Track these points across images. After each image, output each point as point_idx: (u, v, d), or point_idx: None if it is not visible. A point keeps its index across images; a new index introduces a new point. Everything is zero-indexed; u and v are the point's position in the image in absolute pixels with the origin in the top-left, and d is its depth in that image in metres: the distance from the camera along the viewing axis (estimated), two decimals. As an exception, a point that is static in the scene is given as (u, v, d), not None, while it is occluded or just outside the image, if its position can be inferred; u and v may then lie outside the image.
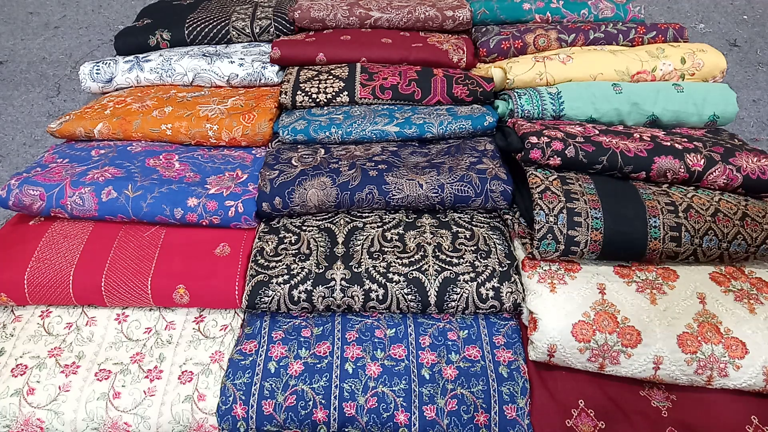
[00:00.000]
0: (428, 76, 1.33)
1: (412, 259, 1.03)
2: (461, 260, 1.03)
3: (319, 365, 0.95)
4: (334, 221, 1.11)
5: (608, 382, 0.95)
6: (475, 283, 1.00)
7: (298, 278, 1.00)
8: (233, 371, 0.95)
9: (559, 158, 1.06)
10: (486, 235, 1.08)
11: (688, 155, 1.06)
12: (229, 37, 1.49)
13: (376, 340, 0.99)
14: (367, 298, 0.99)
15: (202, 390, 0.93)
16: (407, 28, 1.54)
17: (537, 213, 1.00)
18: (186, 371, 0.96)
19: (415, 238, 1.07)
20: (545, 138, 1.07)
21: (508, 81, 1.33)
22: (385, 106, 1.32)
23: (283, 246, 1.06)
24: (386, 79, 1.32)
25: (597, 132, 1.13)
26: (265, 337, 1.00)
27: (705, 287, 0.98)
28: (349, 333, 1.00)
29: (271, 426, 0.91)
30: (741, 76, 2.86)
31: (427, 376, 0.94)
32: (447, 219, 1.12)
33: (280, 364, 0.96)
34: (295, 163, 1.16)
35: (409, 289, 0.99)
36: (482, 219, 1.12)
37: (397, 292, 0.99)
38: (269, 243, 1.07)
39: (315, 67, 1.40)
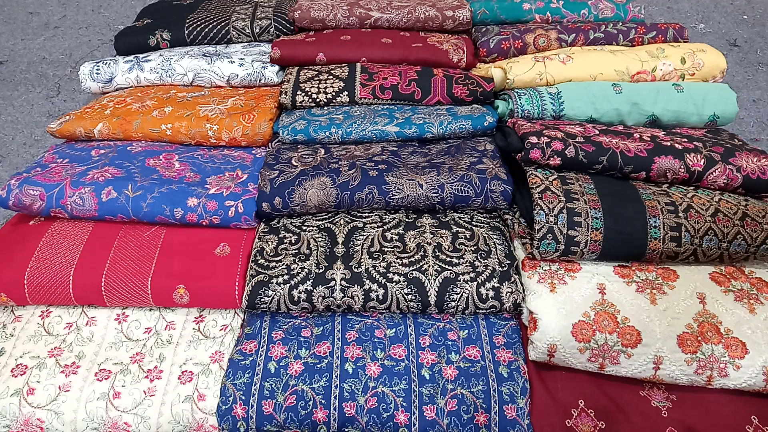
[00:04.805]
0: (428, 76, 1.33)
1: (412, 259, 1.03)
2: (461, 260, 1.03)
3: (319, 365, 0.95)
4: (334, 221, 1.11)
5: (608, 382, 0.95)
6: (475, 283, 1.00)
7: (298, 278, 1.00)
8: (233, 371, 0.95)
9: (559, 158, 1.06)
10: (486, 235, 1.08)
11: (688, 155, 1.06)
12: (229, 37, 1.49)
13: (376, 340, 0.99)
14: (367, 298, 0.99)
15: (202, 390, 0.93)
16: (407, 28, 1.54)
17: (537, 213, 1.00)
18: (186, 371, 0.96)
19: (415, 238, 1.07)
20: (545, 138, 1.07)
21: (508, 81, 1.33)
22: (385, 106, 1.32)
23: (283, 246, 1.06)
24: (386, 79, 1.32)
25: (597, 132, 1.13)
26: (265, 337, 1.00)
27: (705, 287, 0.98)
28: (349, 333, 1.00)
29: (271, 426, 0.91)
30: (741, 76, 2.86)
31: (427, 376, 0.94)
32: (447, 219, 1.12)
33: (280, 364, 0.96)
34: (295, 163, 1.16)
35: (409, 289, 0.99)
36: (482, 219, 1.12)
37: (397, 292, 0.99)
38: (269, 243, 1.07)
39: (315, 67, 1.40)
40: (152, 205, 1.07)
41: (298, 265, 1.02)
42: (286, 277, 1.01)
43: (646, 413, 0.92)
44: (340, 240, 1.07)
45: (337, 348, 0.98)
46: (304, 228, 1.10)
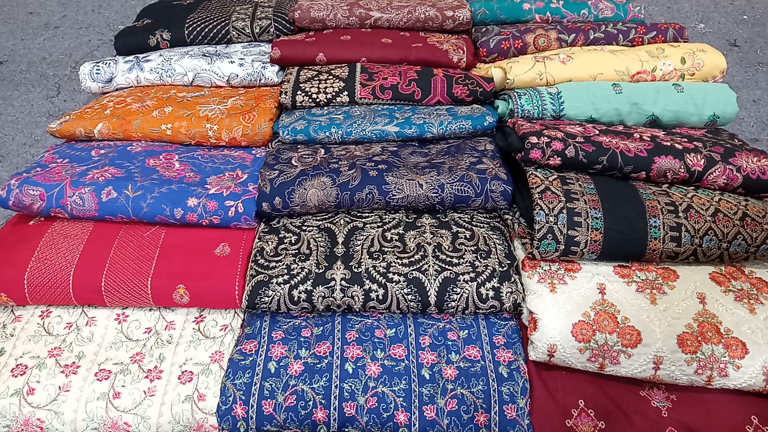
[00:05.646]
0: (428, 76, 1.33)
1: (412, 259, 1.03)
2: (461, 260, 1.03)
3: (319, 365, 0.95)
4: (334, 221, 1.11)
5: (608, 382, 0.95)
6: (475, 283, 1.00)
7: (298, 278, 1.00)
8: (233, 371, 0.95)
9: (559, 158, 1.06)
10: (486, 235, 1.08)
11: (688, 155, 1.06)
12: (229, 37, 1.49)
13: (376, 340, 0.99)
14: (367, 298, 0.99)
15: (202, 390, 0.93)
16: (407, 28, 1.54)
17: (537, 213, 1.00)
18: (186, 371, 0.96)
19: (415, 238, 1.07)
20: (545, 138, 1.07)
21: (508, 81, 1.33)
22: (385, 106, 1.32)
23: (283, 246, 1.06)
24: (386, 79, 1.32)
25: (597, 132, 1.13)
26: (265, 337, 1.00)
27: (705, 287, 0.98)
28: (349, 333, 1.00)
29: (271, 426, 0.91)
30: (741, 76, 2.86)
31: (427, 376, 0.94)
32: (447, 219, 1.12)
33: (280, 364, 0.96)
34: (295, 163, 1.16)
35: (409, 289, 0.99)
36: (482, 219, 1.12)
37: (397, 292, 0.99)
38: (269, 243, 1.07)
39: (315, 67, 1.40)
40: (152, 205, 1.07)
41: (298, 265, 1.02)
42: (286, 277, 1.01)
43: (646, 413, 0.92)
44: (340, 240, 1.07)
45: (337, 348, 0.98)
46: (304, 228, 1.10)
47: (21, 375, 0.94)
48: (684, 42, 1.43)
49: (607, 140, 1.08)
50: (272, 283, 1.00)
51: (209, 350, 0.99)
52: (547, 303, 0.95)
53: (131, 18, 2.50)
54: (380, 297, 0.99)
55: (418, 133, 1.23)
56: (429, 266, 1.02)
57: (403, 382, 0.94)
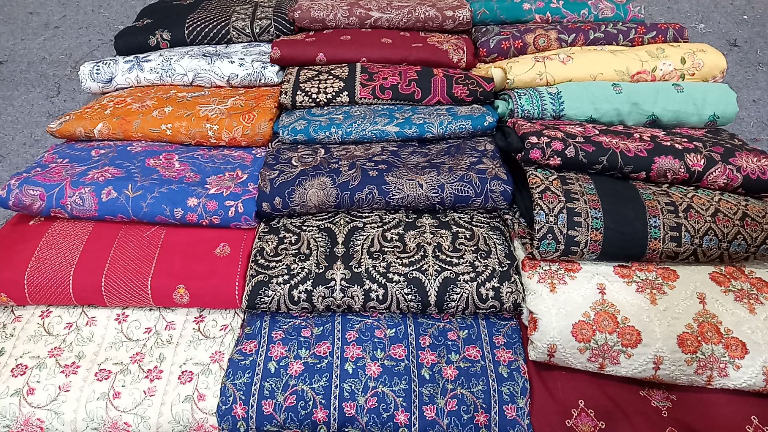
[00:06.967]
0: (428, 76, 1.33)
1: (412, 259, 1.03)
2: (461, 260, 1.03)
3: (319, 365, 0.96)
4: (334, 221, 1.11)
5: (608, 382, 0.95)
6: (475, 283, 1.00)
7: (298, 278, 1.00)
8: (233, 371, 0.95)
9: (559, 158, 1.06)
10: (486, 235, 1.08)
11: (688, 155, 1.06)
12: (229, 37, 1.49)
13: (376, 340, 0.99)
14: (367, 298, 0.99)
15: (202, 390, 0.93)
16: (407, 28, 1.54)
17: (537, 213, 1.00)
18: (186, 371, 0.96)
19: (415, 238, 1.07)
20: (545, 138, 1.07)
21: (508, 81, 1.33)
22: (385, 106, 1.32)
23: (283, 246, 1.06)
24: (386, 79, 1.32)
25: (597, 132, 1.13)
26: (265, 337, 1.00)
27: (705, 287, 0.98)
28: (349, 333, 1.00)
29: (271, 426, 0.91)
30: (741, 76, 2.86)
31: (427, 376, 0.94)
32: (447, 219, 1.12)
33: (280, 364, 0.96)
34: (295, 163, 1.16)
35: (409, 289, 0.99)
36: (482, 219, 1.12)
37: (397, 292, 0.99)
38: (269, 243, 1.07)
39: (315, 67, 1.40)
40: (152, 205, 1.07)
41: (298, 265, 1.02)
42: (286, 277, 1.01)
43: (646, 413, 0.92)
44: (340, 240, 1.07)
45: (337, 348, 0.98)
46: (304, 228, 1.10)
47: (21, 375, 0.94)
48: (684, 42, 1.43)
49: (607, 140, 1.08)
50: (272, 283, 1.00)
51: (209, 350, 0.99)
52: (547, 303, 0.95)
53: (131, 18, 2.50)
54: (380, 297, 0.99)
55: (418, 133, 1.23)
56: (429, 266, 1.02)
57: (403, 382, 0.94)
